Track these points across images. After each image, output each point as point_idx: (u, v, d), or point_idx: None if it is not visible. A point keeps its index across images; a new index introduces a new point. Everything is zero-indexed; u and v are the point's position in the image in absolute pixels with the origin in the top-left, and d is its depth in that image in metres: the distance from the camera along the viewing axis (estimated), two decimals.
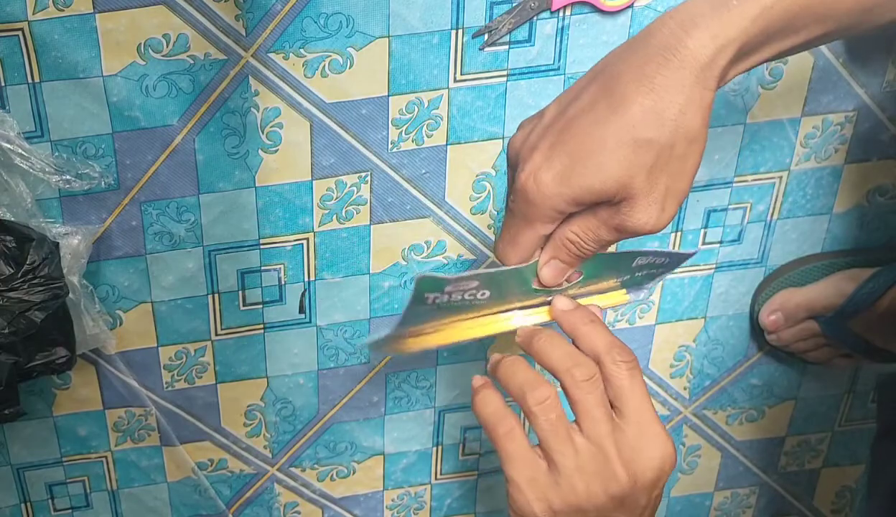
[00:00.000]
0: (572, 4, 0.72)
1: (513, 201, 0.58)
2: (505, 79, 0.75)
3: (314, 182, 0.77)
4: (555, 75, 0.75)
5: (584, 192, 0.55)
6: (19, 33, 0.68)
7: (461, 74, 0.74)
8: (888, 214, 0.86)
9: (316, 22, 0.70)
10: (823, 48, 0.77)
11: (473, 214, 0.80)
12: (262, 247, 0.79)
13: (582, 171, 0.54)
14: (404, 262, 0.81)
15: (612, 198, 0.55)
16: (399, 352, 0.65)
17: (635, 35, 0.56)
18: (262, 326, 0.82)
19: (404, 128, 0.76)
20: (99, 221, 0.76)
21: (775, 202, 0.83)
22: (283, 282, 0.81)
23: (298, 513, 0.93)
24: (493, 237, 0.81)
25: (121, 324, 0.80)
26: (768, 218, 0.84)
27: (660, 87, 0.52)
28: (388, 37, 0.72)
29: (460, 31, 0.72)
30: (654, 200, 0.55)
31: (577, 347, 0.61)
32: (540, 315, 0.65)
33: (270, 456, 0.89)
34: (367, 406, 0.88)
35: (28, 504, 0.88)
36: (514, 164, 0.59)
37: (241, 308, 0.81)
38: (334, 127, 0.75)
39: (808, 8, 0.54)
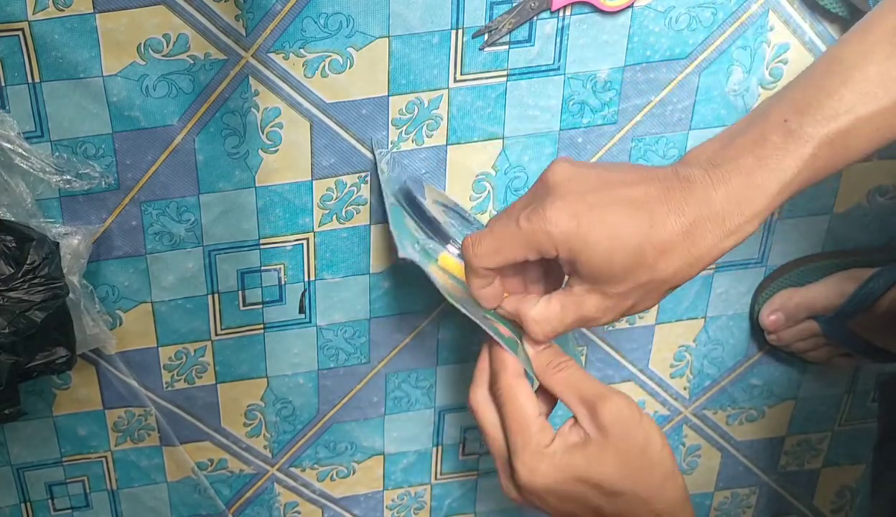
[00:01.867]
0: (572, 4, 0.72)
1: (526, 218, 0.57)
2: (505, 79, 0.75)
3: (314, 182, 0.77)
4: (555, 75, 0.75)
5: (585, 261, 0.56)
6: (19, 33, 0.68)
7: (461, 74, 0.74)
8: (888, 214, 0.86)
9: (316, 22, 0.70)
10: (824, 48, 0.77)
11: (473, 214, 0.80)
12: (262, 247, 0.79)
13: (596, 246, 0.55)
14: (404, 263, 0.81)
15: (596, 281, 0.56)
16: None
17: (681, 177, 0.56)
18: (262, 326, 0.82)
19: (404, 128, 0.76)
20: (99, 221, 0.76)
21: None
22: (283, 282, 0.81)
23: (298, 513, 0.93)
24: None
25: (121, 324, 0.80)
26: (768, 218, 0.84)
27: (687, 232, 0.54)
28: (388, 37, 0.72)
29: (460, 31, 0.72)
30: (619, 309, 0.58)
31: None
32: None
33: (270, 456, 0.89)
34: (367, 406, 0.88)
35: (28, 504, 0.88)
36: (552, 183, 0.58)
37: (241, 308, 0.81)
38: (334, 127, 0.75)
39: (823, 172, 0.55)
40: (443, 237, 0.68)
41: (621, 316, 0.59)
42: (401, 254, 0.64)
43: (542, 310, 0.59)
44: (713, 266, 0.85)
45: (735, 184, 0.54)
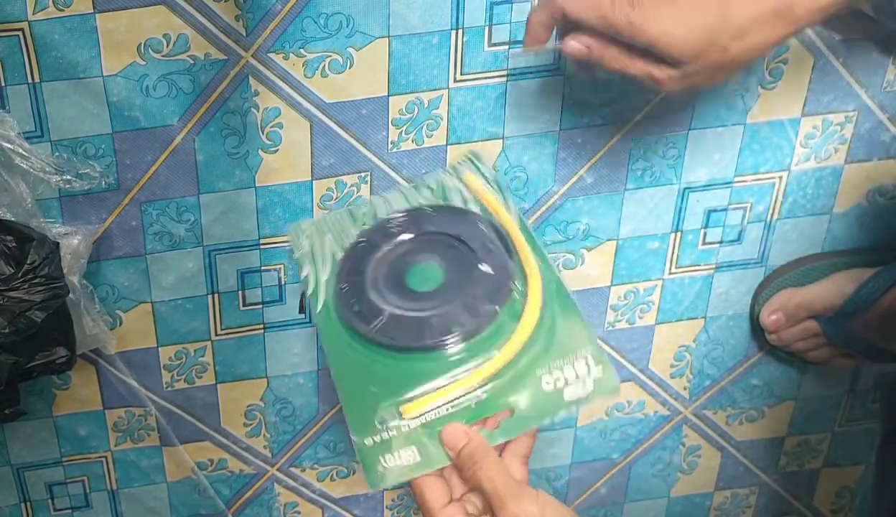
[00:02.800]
0: None
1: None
2: (505, 79, 0.75)
3: (314, 182, 0.77)
4: (555, 75, 0.75)
5: (662, 47, 0.58)
6: (19, 33, 0.68)
7: (461, 74, 0.74)
8: (888, 214, 0.86)
9: (316, 22, 0.70)
10: (823, 48, 0.77)
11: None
12: (262, 247, 0.79)
13: (670, 35, 0.58)
14: None
15: (672, 61, 0.59)
16: None
17: None
18: (262, 326, 0.82)
19: (404, 128, 0.76)
20: (99, 221, 0.76)
21: (775, 202, 0.83)
22: (283, 282, 0.81)
23: (298, 513, 0.93)
24: None
25: (121, 324, 0.80)
26: (768, 218, 0.84)
27: (755, 19, 0.58)
28: (388, 37, 0.72)
29: (460, 31, 0.72)
30: (684, 83, 0.61)
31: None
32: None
33: (270, 456, 0.89)
34: None
35: (28, 504, 0.88)
36: None
37: (241, 308, 0.81)
38: (334, 127, 0.75)
39: None
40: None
41: (684, 88, 0.61)
42: None
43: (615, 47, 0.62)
44: (713, 266, 0.85)
45: None
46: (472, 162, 0.74)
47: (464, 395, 0.61)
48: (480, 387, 0.61)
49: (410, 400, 0.61)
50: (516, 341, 0.62)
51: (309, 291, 0.68)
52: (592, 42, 0.61)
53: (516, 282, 0.65)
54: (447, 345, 0.63)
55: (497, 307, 0.64)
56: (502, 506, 0.57)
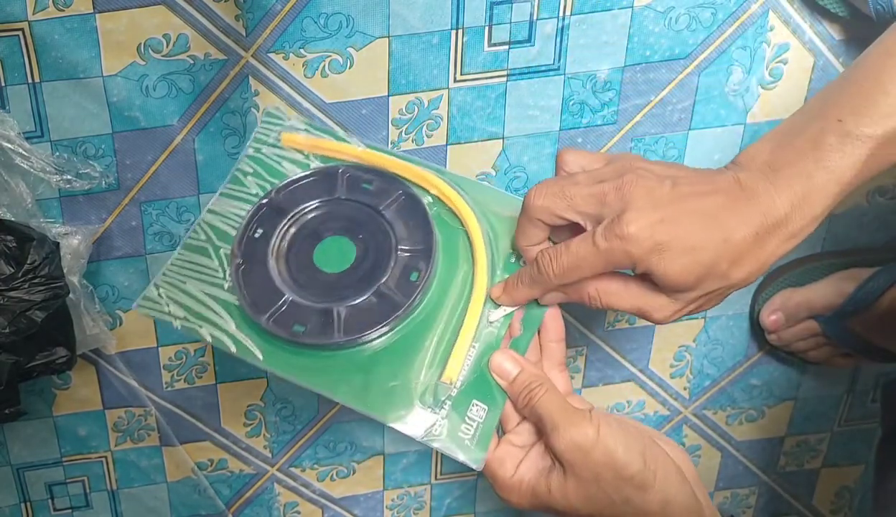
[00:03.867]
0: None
1: (604, 235, 0.56)
2: (505, 79, 0.75)
3: None
4: (555, 75, 0.75)
5: (661, 272, 0.56)
6: (19, 33, 0.68)
7: (461, 74, 0.74)
8: (888, 214, 0.86)
9: (316, 22, 0.70)
10: (823, 48, 0.77)
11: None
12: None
13: (675, 257, 0.55)
14: None
15: (667, 288, 0.57)
16: None
17: (747, 179, 0.56)
18: None
19: (404, 128, 0.76)
20: (99, 221, 0.76)
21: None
22: None
23: (298, 513, 0.93)
24: None
25: (121, 324, 0.80)
26: None
27: (756, 243, 0.56)
28: (388, 37, 0.72)
29: (460, 31, 0.72)
30: (679, 311, 0.58)
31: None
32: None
33: (270, 456, 0.89)
34: None
35: (28, 504, 0.88)
36: (627, 196, 0.57)
37: None
38: (334, 127, 0.75)
39: (881, 170, 0.55)
40: None
41: (677, 317, 0.59)
42: None
43: (606, 282, 0.59)
44: None
45: (797, 189, 0.55)
46: (274, 124, 0.69)
47: (479, 326, 0.61)
48: (484, 307, 0.61)
49: (441, 365, 0.60)
50: (479, 248, 0.62)
51: (234, 350, 0.60)
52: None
53: (425, 198, 0.64)
54: (420, 296, 0.61)
55: (430, 231, 0.63)
56: (557, 431, 0.57)
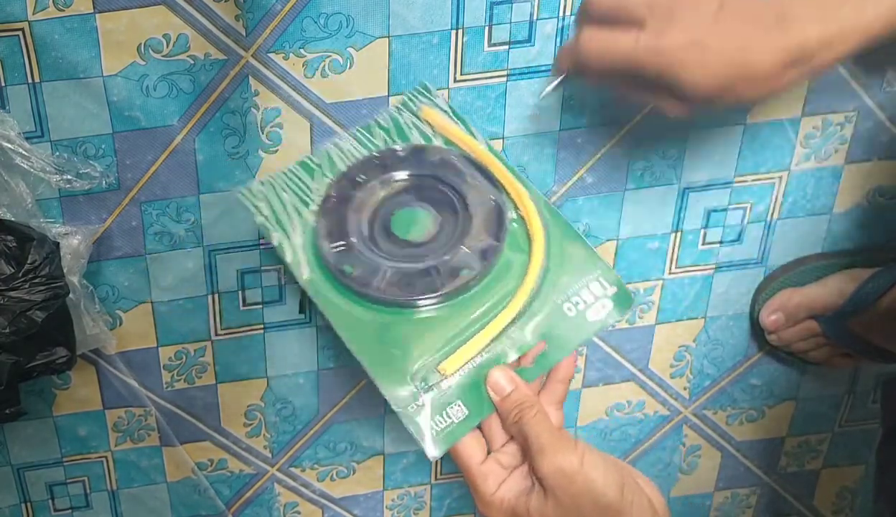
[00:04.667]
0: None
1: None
2: (505, 79, 0.75)
3: None
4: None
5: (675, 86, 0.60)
6: (19, 33, 0.68)
7: (461, 74, 0.74)
8: (888, 214, 0.86)
9: (316, 22, 0.70)
10: None
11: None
12: (261, 247, 0.79)
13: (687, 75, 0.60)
14: None
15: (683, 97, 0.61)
16: None
17: None
18: (262, 326, 0.82)
19: None
20: (99, 221, 0.76)
21: (775, 202, 0.83)
22: (283, 282, 0.81)
23: (298, 513, 0.93)
24: None
25: (121, 324, 0.80)
26: (768, 218, 0.84)
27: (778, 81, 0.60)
28: (388, 37, 0.72)
29: (460, 31, 0.72)
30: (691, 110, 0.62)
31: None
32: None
33: (270, 456, 0.89)
34: (366, 406, 0.88)
35: (28, 504, 0.88)
36: None
37: (241, 308, 0.81)
38: (334, 127, 0.75)
39: None
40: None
41: (687, 117, 0.63)
42: None
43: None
44: (713, 266, 0.85)
45: (832, 28, 0.58)
46: (424, 95, 0.72)
47: (495, 339, 0.61)
48: (508, 326, 0.61)
49: (445, 356, 0.60)
50: (532, 274, 0.62)
51: (289, 259, 0.65)
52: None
53: (510, 212, 0.65)
54: (459, 290, 0.62)
55: (499, 242, 0.63)
56: (543, 455, 0.57)
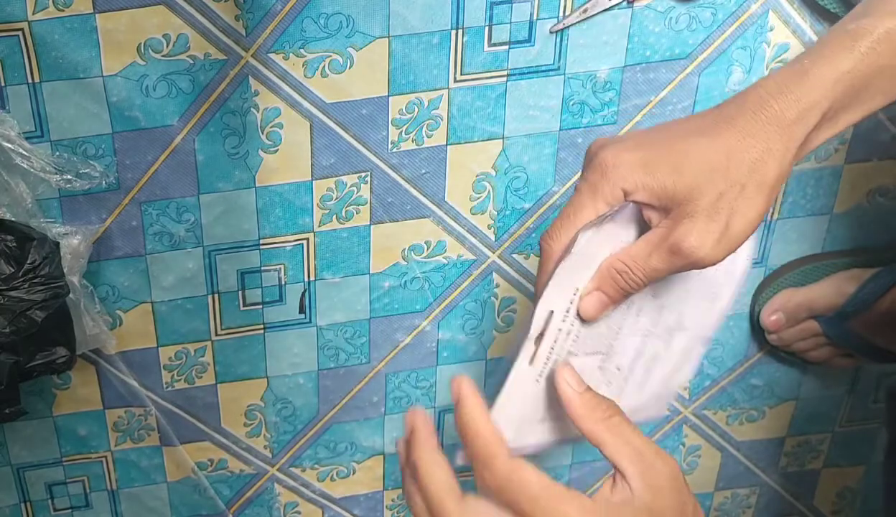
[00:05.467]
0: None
1: (582, 179, 0.57)
2: (505, 79, 0.75)
3: (314, 182, 0.77)
4: (555, 75, 0.75)
5: (655, 183, 0.55)
6: (19, 33, 0.68)
7: (461, 74, 0.74)
8: (888, 214, 0.86)
9: (316, 22, 0.70)
10: None
11: (473, 214, 0.80)
12: (262, 247, 0.79)
13: (661, 165, 0.55)
14: (404, 262, 0.81)
15: (677, 203, 0.55)
16: None
17: (727, 100, 0.57)
18: (262, 326, 0.82)
19: (404, 128, 0.76)
20: (99, 221, 0.76)
21: (775, 202, 0.83)
22: (283, 282, 0.81)
23: (298, 513, 0.93)
24: (493, 237, 0.81)
25: (121, 324, 0.80)
26: (768, 218, 0.84)
27: (747, 133, 0.55)
28: (388, 37, 0.72)
29: (460, 31, 0.72)
30: (713, 229, 0.55)
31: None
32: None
33: (270, 456, 0.89)
34: (367, 406, 0.88)
35: (28, 504, 0.88)
36: (594, 152, 0.58)
37: (241, 308, 0.81)
38: (334, 127, 0.75)
39: (882, 71, 0.56)
40: None
41: (723, 241, 0.56)
42: None
43: (628, 252, 0.58)
44: None
45: (788, 78, 0.56)
46: None
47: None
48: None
49: None
50: None
51: None
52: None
53: None
54: None
55: None
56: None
